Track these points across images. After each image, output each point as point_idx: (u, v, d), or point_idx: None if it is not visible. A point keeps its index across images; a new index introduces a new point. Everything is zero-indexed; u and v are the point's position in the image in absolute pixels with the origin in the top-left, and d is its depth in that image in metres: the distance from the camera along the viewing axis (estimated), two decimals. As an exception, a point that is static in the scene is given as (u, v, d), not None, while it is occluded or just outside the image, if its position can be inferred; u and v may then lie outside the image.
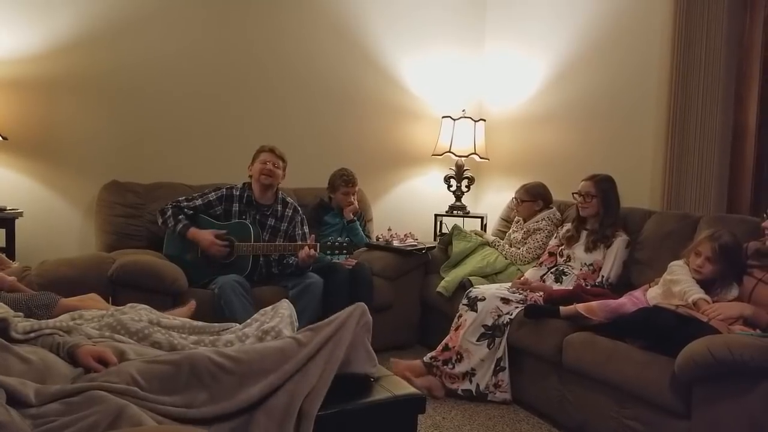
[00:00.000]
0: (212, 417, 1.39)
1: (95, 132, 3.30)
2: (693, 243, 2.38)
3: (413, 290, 3.42)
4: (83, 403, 1.22)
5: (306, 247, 2.84)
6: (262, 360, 1.52)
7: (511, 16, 4.18)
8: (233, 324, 1.97)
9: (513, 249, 3.29)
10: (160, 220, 2.96)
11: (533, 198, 3.31)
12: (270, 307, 2.00)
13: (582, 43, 3.65)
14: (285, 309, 1.95)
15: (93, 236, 3.21)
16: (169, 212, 2.92)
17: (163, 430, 1.18)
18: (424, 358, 2.79)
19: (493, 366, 2.68)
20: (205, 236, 2.85)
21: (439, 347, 2.78)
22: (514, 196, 3.43)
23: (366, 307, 1.76)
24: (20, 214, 2.99)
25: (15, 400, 1.20)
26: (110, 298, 2.46)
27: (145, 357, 1.52)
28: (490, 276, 3.22)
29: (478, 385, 2.67)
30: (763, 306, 2.12)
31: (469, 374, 2.69)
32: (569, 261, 2.92)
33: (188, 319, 1.95)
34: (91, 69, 3.26)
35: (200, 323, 1.91)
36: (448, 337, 2.79)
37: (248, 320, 1.97)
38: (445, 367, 2.73)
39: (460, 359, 2.71)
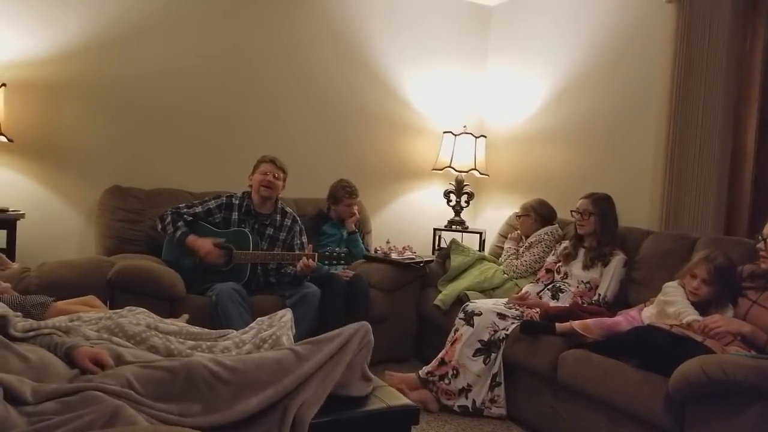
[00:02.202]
0: (207, 427, 1.39)
1: (99, 137, 3.33)
2: (688, 264, 2.39)
3: (410, 303, 3.42)
4: (79, 402, 1.22)
5: (304, 258, 2.85)
6: (259, 370, 1.52)
7: (515, 35, 4.24)
8: (230, 331, 1.97)
9: (510, 260, 3.32)
10: (159, 226, 2.98)
11: (526, 212, 3.36)
12: (267, 316, 2.01)
13: (583, 63, 3.70)
14: (284, 316, 1.95)
15: (93, 240, 3.23)
16: (169, 218, 2.94)
17: (156, 430, 1.19)
18: (420, 373, 2.78)
19: (489, 381, 2.67)
20: (204, 243, 2.87)
21: (435, 362, 2.78)
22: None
23: (369, 327, 1.75)
24: (22, 215, 3.00)
25: (12, 397, 1.21)
26: (108, 302, 2.47)
27: (142, 361, 1.53)
28: (488, 291, 3.22)
29: (474, 401, 2.67)
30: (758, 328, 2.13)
31: (465, 390, 2.68)
32: (566, 278, 2.93)
33: (186, 324, 1.96)
34: (98, 75, 3.30)
35: (198, 329, 1.92)
36: (443, 351, 2.79)
37: (246, 328, 1.98)
38: (441, 382, 2.72)
39: (456, 374, 2.71)
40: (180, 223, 2.93)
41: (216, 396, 1.43)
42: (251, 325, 1.98)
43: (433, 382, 2.74)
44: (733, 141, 2.95)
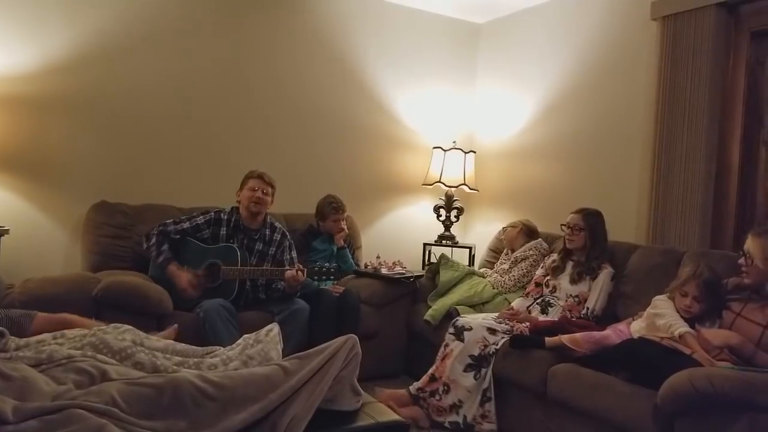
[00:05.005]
0: None
1: (85, 152, 3.31)
2: (677, 281, 2.39)
3: (400, 318, 3.41)
4: (62, 420, 1.20)
5: (291, 270, 2.83)
6: (246, 386, 1.50)
7: (503, 52, 4.29)
8: (217, 347, 1.95)
9: (497, 275, 3.33)
10: (144, 245, 2.95)
11: (514, 224, 3.43)
12: (253, 333, 1.98)
13: (571, 80, 3.75)
14: (270, 331, 1.93)
15: (79, 256, 3.18)
16: (154, 239, 2.89)
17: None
18: (411, 389, 2.76)
19: (479, 397, 2.66)
20: (182, 279, 2.81)
21: (426, 377, 2.76)
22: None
23: (357, 339, 1.73)
24: (6, 231, 2.96)
25: (-8, 417, 1.18)
26: (94, 319, 2.43)
27: (127, 378, 1.50)
28: (478, 306, 3.23)
29: (465, 417, 2.64)
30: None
31: (456, 406, 2.67)
32: (555, 292, 2.94)
33: (172, 341, 1.93)
34: (83, 90, 3.28)
35: (184, 346, 1.89)
36: (434, 367, 2.77)
37: (233, 345, 1.96)
38: (432, 398, 2.70)
39: (447, 390, 2.69)
40: (164, 247, 2.88)
41: (202, 412, 1.41)
42: (237, 341, 1.96)
43: (423, 399, 2.72)
44: (718, 156, 3.00)
